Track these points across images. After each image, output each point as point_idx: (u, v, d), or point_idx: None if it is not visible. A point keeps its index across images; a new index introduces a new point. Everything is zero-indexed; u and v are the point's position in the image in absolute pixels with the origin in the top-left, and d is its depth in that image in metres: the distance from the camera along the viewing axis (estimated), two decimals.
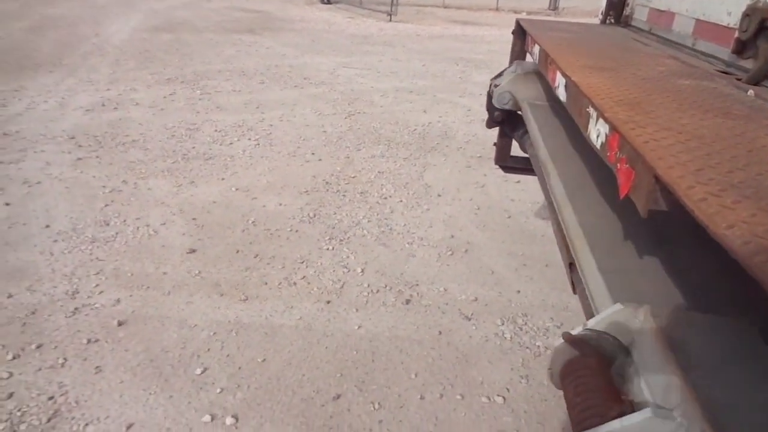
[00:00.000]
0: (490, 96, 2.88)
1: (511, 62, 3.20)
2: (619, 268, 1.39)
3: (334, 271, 3.52)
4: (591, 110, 1.33)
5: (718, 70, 1.84)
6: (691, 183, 0.89)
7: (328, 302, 3.22)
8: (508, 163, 3.28)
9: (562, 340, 1.04)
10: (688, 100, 1.39)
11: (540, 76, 2.68)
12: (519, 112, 2.84)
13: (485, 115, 3.02)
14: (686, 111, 1.29)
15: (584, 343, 1.03)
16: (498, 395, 2.61)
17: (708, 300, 1.24)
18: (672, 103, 1.35)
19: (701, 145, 1.07)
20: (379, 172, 5.07)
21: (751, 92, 1.49)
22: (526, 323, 3.10)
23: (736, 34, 1.75)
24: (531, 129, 2.50)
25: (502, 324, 3.09)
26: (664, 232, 1.51)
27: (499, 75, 2.95)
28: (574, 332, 1.05)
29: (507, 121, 2.94)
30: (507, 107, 2.81)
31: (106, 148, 5.31)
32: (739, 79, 1.67)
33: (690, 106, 1.33)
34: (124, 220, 4.01)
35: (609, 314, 1.05)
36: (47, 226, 3.87)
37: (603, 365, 1.00)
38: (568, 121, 2.58)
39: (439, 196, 4.64)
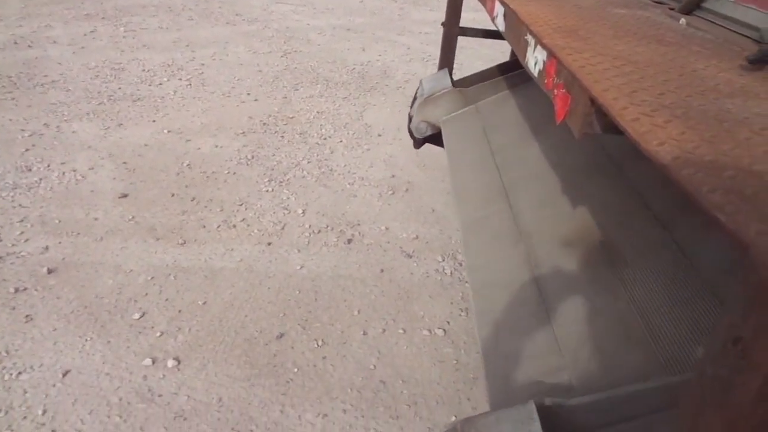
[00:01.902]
0: (410, 124, 3.00)
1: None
2: (498, 331, 1.60)
3: (274, 212, 3.47)
4: (529, 37, 1.33)
5: (652, 0, 1.86)
6: (625, 104, 0.90)
7: (269, 244, 3.18)
8: None
9: None
10: (624, 28, 1.40)
11: (450, 93, 2.87)
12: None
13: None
14: (621, 38, 1.30)
15: None
16: (439, 328, 2.68)
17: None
18: (608, 31, 1.35)
19: (635, 70, 1.08)
20: (318, 112, 4.96)
21: (683, 21, 1.51)
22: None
23: None
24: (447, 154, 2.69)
25: (443, 260, 3.15)
26: (545, 290, 1.70)
27: (414, 99, 2.96)
28: None
29: (432, 139, 3.01)
30: (428, 133, 2.94)
31: (23, 90, 4.95)
32: (672, 9, 1.69)
33: (625, 33, 1.35)
34: (48, 165, 3.79)
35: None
36: None
37: None
38: (482, 127, 2.71)
39: (380, 135, 4.61)
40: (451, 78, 2.96)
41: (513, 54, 2.83)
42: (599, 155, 1.98)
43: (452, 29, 3.08)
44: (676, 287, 1.35)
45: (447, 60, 3.15)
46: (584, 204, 1.83)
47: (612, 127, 0.91)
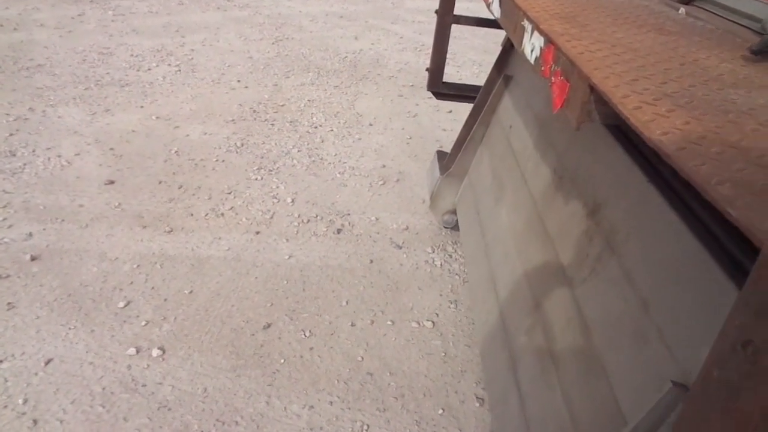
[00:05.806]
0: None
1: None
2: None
3: (263, 201, 3.42)
4: (525, 23, 1.29)
5: None
6: (626, 92, 0.87)
7: (258, 233, 3.14)
8: (440, 89, 3.23)
9: None
10: (623, 15, 1.36)
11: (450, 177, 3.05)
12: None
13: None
14: (621, 26, 1.27)
15: None
16: (427, 320, 2.66)
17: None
18: (607, 18, 1.32)
19: (635, 58, 1.05)
20: (309, 100, 4.90)
21: (682, 10, 1.48)
22: (456, 251, 3.14)
23: None
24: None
25: (433, 252, 3.12)
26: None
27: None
28: None
29: None
30: (457, 219, 3.13)
31: (8, 73, 4.85)
32: None
33: (624, 21, 1.31)
34: (33, 150, 3.72)
35: None
36: None
37: None
38: (474, 203, 2.71)
39: (371, 125, 4.56)
40: (439, 164, 3.16)
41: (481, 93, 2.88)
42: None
43: (446, 17, 3.03)
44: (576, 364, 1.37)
45: (440, 49, 3.11)
46: (528, 271, 1.86)
47: (611, 116, 0.88)
